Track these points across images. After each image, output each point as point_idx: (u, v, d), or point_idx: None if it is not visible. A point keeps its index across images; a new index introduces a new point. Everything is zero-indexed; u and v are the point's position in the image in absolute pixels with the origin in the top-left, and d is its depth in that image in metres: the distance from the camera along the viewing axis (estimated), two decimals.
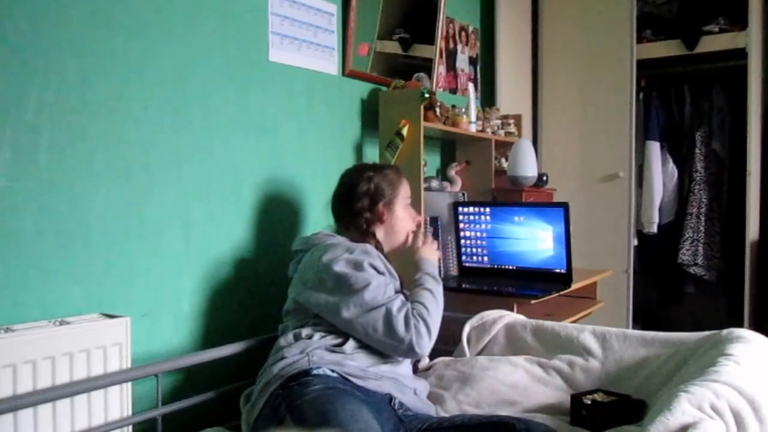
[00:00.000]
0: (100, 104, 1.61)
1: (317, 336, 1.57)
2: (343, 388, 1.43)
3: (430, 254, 1.80)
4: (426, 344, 1.57)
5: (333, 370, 1.47)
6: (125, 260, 1.67)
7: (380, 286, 1.57)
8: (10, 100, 1.44)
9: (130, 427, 1.58)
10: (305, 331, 1.59)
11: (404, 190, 1.83)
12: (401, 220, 1.81)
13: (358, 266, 1.58)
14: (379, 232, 1.78)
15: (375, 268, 1.60)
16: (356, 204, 1.76)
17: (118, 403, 1.53)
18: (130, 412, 1.56)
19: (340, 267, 1.57)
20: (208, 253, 1.89)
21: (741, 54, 3.18)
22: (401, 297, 1.61)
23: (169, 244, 1.78)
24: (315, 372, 1.45)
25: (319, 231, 1.80)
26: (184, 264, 1.82)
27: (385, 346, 1.57)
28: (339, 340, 1.57)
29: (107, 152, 1.63)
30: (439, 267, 2.02)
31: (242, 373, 1.85)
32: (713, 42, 3.28)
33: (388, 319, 1.53)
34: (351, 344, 1.56)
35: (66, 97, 1.54)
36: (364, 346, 1.58)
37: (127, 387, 1.55)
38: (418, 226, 1.88)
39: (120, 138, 1.66)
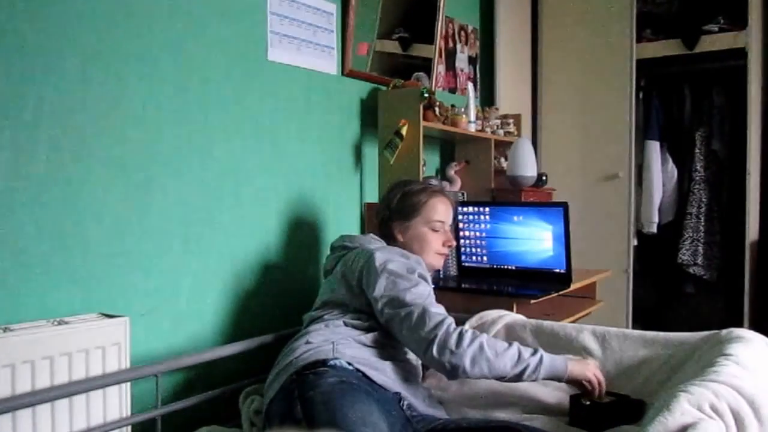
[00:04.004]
0: (99, 104, 1.61)
1: (347, 327, 1.60)
2: (357, 383, 1.43)
3: (580, 369, 1.58)
4: (459, 363, 1.45)
5: (350, 363, 1.48)
6: (124, 260, 1.67)
7: (426, 293, 1.58)
8: (9, 100, 1.43)
9: (129, 428, 1.57)
10: (337, 321, 1.61)
11: (429, 214, 1.80)
12: (420, 242, 1.80)
13: (410, 270, 1.62)
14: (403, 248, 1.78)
15: (425, 279, 1.64)
16: (377, 217, 1.87)
17: (117, 403, 1.52)
18: (129, 413, 1.56)
19: (395, 266, 1.60)
20: (207, 252, 1.89)
21: (741, 54, 3.18)
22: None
23: (167, 244, 1.78)
24: (332, 363, 1.46)
25: (369, 233, 1.85)
26: (183, 263, 1.82)
27: (412, 341, 1.52)
28: (368, 332, 1.59)
29: (106, 152, 1.62)
30: (439, 269, 2.02)
31: (241, 373, 1.85)
32: (713, 41, 3.28)
33: (422, 316, 1.50)
34: (378, 336, 1.59)
35: (65, 96, 1.53)
36: (389, 341, 1.60)
37: (126, 387, 1.55)
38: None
39: (119, 137, 1.65)
